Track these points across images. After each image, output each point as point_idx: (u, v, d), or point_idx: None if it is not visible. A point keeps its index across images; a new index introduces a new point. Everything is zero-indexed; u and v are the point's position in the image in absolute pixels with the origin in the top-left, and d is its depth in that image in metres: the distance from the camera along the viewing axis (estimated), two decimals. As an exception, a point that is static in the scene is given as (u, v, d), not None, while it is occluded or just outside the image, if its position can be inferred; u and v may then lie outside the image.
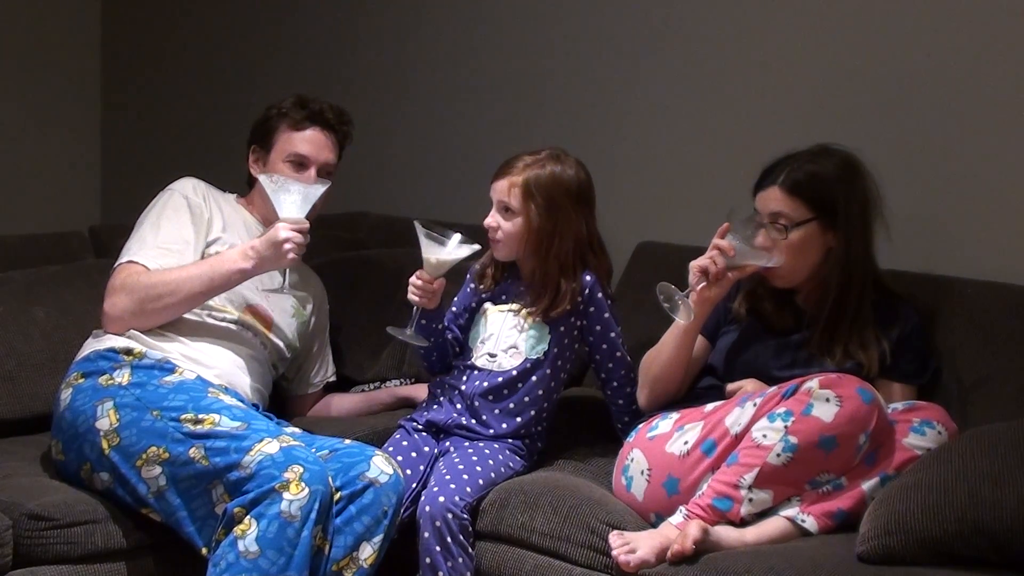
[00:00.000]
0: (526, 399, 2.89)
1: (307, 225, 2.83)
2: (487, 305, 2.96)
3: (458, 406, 2.91)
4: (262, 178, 2.92)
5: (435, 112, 4.11)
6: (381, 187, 4.04)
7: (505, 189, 2.87)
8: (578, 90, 3.76)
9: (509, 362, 2.90)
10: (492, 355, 2.91)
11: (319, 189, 2.88)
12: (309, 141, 3.07)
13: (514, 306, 2.93)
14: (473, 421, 2.90)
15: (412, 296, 2.84)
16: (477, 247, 2.84)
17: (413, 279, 2.84)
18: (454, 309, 2.98)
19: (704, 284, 2.68)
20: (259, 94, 4.52)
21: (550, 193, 2.84)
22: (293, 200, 2.82)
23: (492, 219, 2.89)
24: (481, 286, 2.98)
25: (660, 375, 2.82)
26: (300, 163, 3.06)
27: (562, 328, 2.90)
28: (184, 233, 2.97)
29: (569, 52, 3.77)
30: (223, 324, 2.97)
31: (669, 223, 3.50)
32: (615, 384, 2.94)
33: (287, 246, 2.80)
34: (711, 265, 2.67)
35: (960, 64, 3.06)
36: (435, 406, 2.95)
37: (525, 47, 3.88)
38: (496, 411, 2.89)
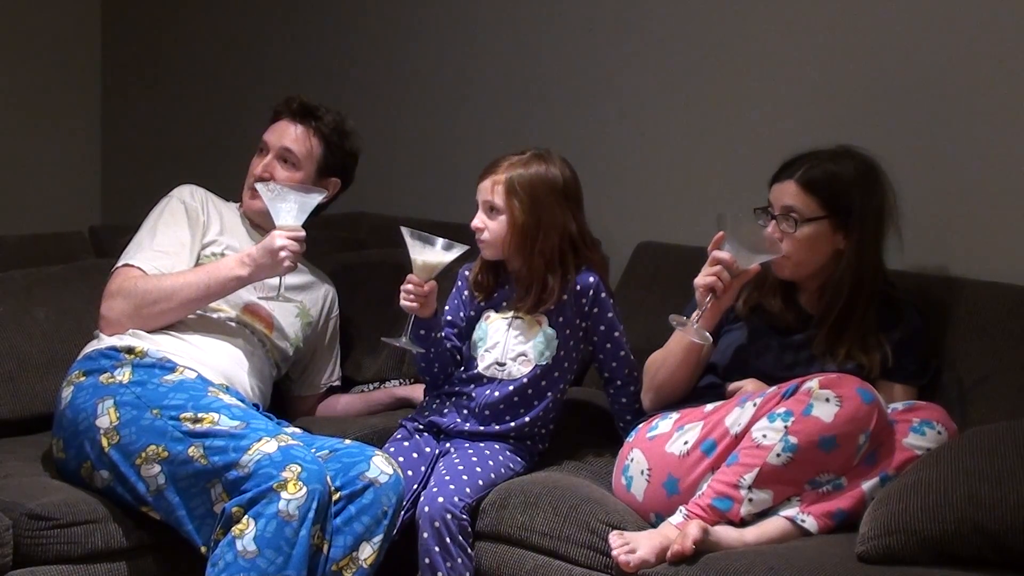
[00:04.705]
0: (535, 403, 2.90)
1: (303, 234, 2.86)
2: (489, 313, 2.95)
3: (464, 412, 2.91)
4: (259, 186, 2.93)
5: (435, 113, 4.11)
6: (381, 187, 4.04)
7: (488, 188, 2.87)
8: (577, 91, 3.75)
9: (519, 370, 2.89)
10: (501, 364, 2.90)
11: (315, 198, 2.89)
12: (273, 129, 3.15)
13: (514, 311, 2.92)
14: (480, 428, 2.89)
15: (405, 302, 2.82)
16: (466, 248, 2.84)
17: (404, 284, 2.83)
18: (449, 318, 2.97)
19: (712, 299, 2.68)
20: (258, 94, 4.52)
21: (533, 190, 2.85)
22: (289, 208, 2.85)
23: (478, 220, 2.89)
24: (477, 293, 2.97)
25: (667, 381, 2.82)
26: (262, 149, 3.13)
27: (568, 331, 2.90)
28: (180, 235, 3.00)
29: (568, 53, 3.77)
30: (221, 321, 2.97)
31: (669, 223, 3.50)
32: (619, 383, 2.94)
33: (283, 254, 2.83)
34: (717, 283, 2.66)
35: (961, 64, 3.05)
36: (436, 407, 2.94)
37: (525, 48, 3.88)
38: (507, 418, 2.89)
